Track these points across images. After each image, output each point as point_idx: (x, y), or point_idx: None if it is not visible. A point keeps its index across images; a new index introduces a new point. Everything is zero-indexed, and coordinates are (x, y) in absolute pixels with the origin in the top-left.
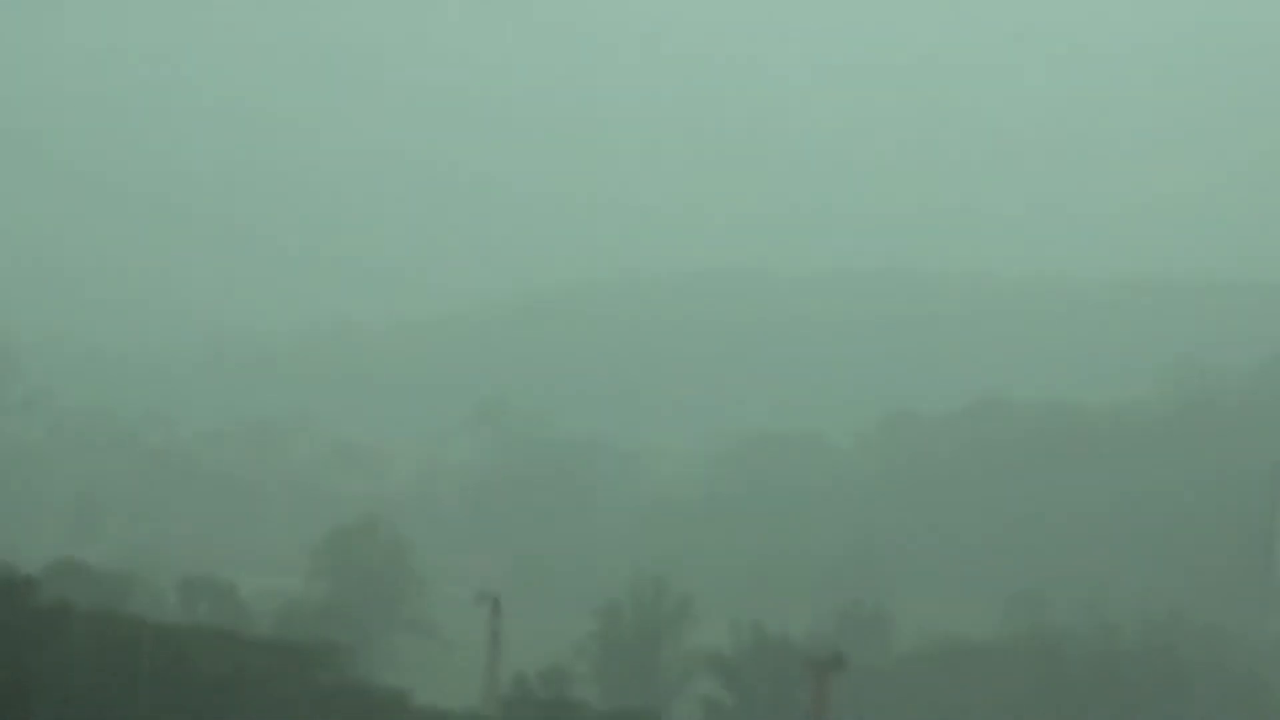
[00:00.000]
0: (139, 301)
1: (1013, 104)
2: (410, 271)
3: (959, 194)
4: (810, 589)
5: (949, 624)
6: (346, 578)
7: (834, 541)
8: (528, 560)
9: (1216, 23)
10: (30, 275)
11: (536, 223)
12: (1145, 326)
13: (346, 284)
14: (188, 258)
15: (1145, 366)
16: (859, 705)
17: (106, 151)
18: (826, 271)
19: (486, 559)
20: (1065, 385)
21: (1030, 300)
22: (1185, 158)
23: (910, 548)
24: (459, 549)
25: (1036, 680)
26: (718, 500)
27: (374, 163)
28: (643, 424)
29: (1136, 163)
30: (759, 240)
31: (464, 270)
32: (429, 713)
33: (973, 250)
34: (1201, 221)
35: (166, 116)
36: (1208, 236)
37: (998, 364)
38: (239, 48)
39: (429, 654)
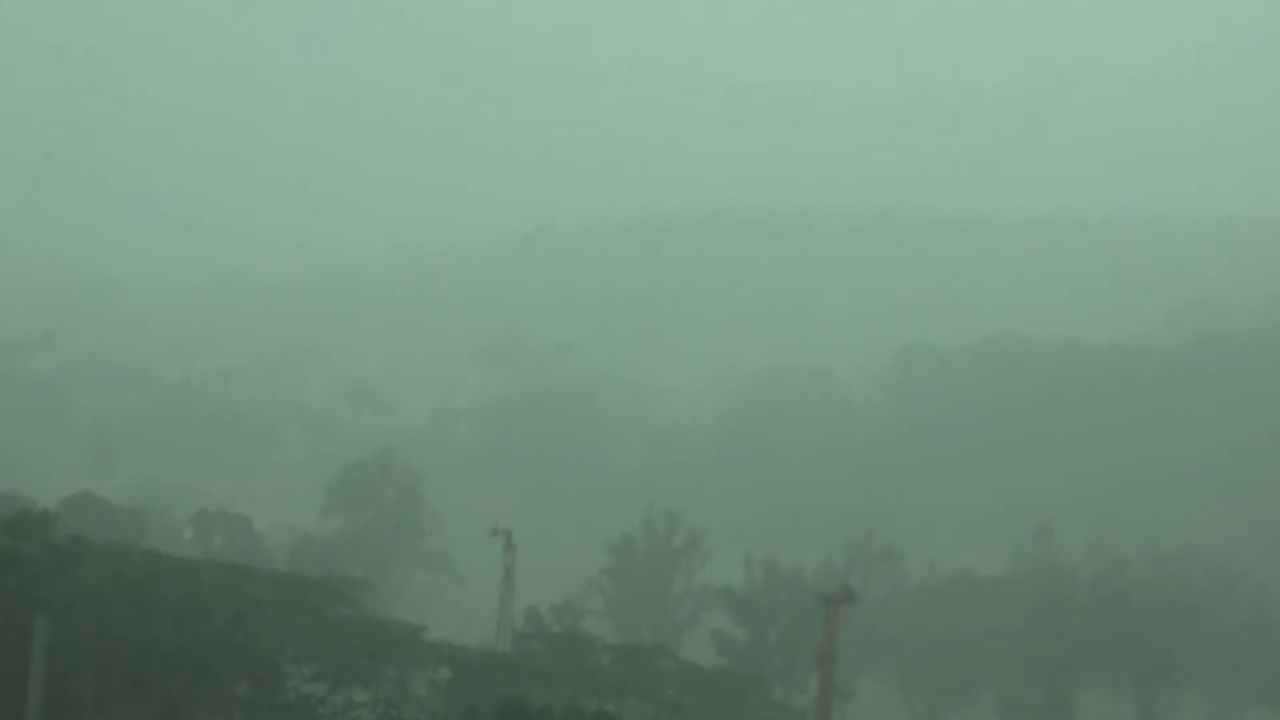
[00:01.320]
0: (155, 239)
1: (1020, 43)
2: (422, 208)
3: (969, 134)
4: (821, 523)
5: (959, 558)
6: (361, 513)
7: (845, 476)
8: (541, 495)
9: None
10: (49, 211)
11: (550, 160)
12: (1156, 264)
13: (357, 222)
14: (201, 198)
15: (1156, 303)
16: (870, 639)
17: (114, 94)
18: (839, 208)
19: (500, 494)
20: (1076, 322)
21: (1040, 238)
22: (1195, 93)
23: (921, 481)
24: (472, 484)
25: (1046, 613)
26: (730, 436)
27: (385, 103)
28: (655, 359)
29: (1146, 100)
30: (771, 178)
31: (476, 206)
32: (443, 647)
33: (984, 189)
34: (1212, 158)
35: (175, 60)
36: (1218, 173)
37: (1009, 301)
38: None
39: (443, 589)
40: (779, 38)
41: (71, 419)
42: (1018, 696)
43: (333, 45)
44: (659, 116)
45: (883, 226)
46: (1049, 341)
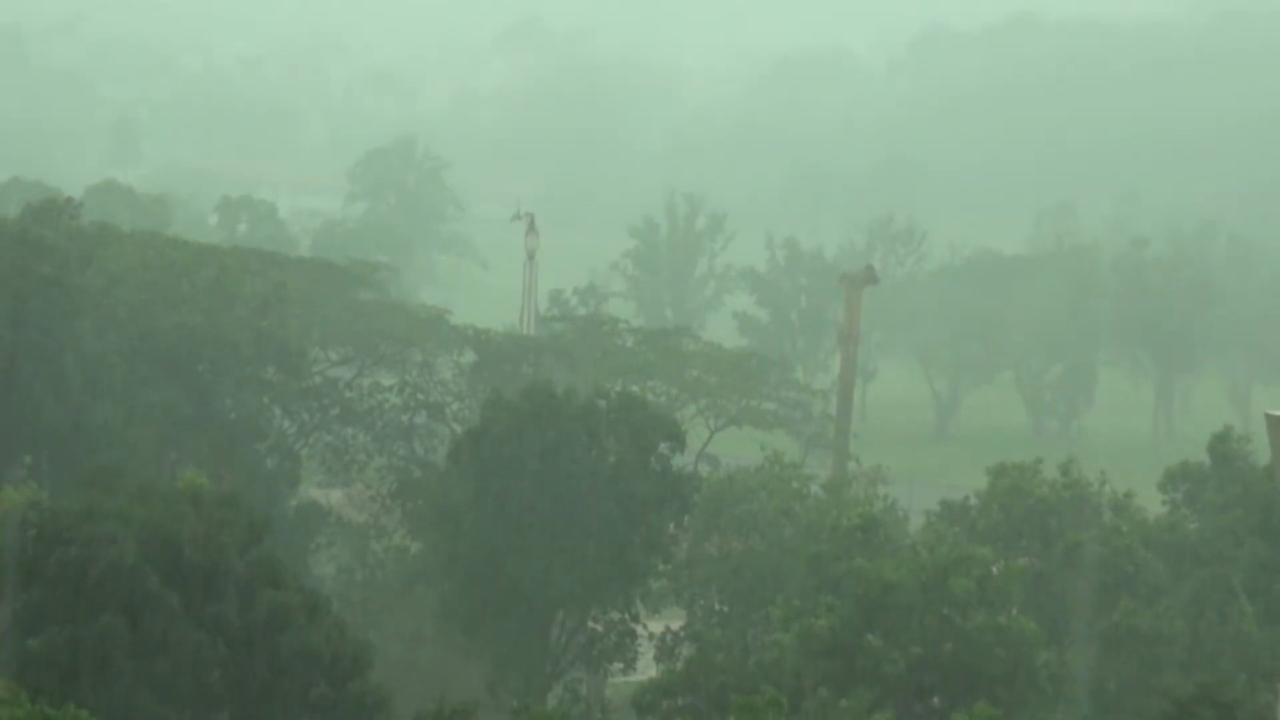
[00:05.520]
0: None
1: None
2: None
3: None
4: (842, 206)
5: (980, 238)
6: (384, 198)
7: (866, 159)
8: (564, 179)
9: None
10: None
11: None
12: None
13: None
14: None
15: None
16: (891, 318)
17: None
18: None
19: (522, 178)
20: (1098, 1)
21: None
22: None
23: (941, 164)
24: (495, 169)
25: (1066, 292)
26: (751, 118)
27: None
28: (675, 42)
29: None
30: None
31: None
32: (468, 330)
33: None
34: None
35: None
36: None
37: None
38: None
39: (466, 272)
40: None
41: (95, 107)
42: (1037, 375)
43: None
44: None
45: None
46: (1070, 20)
